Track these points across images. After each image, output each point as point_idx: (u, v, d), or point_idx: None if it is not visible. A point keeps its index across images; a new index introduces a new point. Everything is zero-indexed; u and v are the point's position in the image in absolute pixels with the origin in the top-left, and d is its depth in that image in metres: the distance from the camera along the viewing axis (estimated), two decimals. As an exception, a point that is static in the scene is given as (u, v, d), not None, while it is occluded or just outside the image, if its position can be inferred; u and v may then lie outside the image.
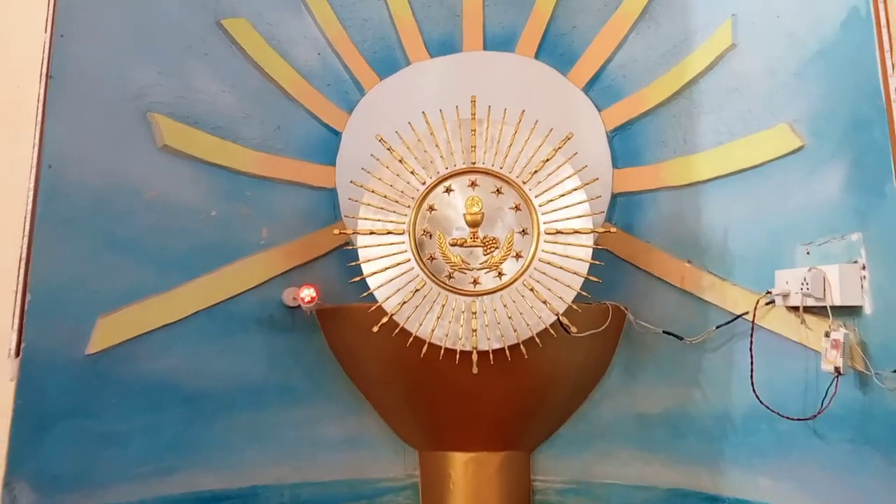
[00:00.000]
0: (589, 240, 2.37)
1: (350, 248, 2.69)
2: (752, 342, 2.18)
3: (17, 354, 1.86)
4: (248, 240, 2.63)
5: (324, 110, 2.87)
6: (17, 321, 1.87)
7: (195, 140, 2.52)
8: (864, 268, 1.91)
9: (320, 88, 2.87)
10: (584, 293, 2.34)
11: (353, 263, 2.38)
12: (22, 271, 1.88)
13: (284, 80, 2.79)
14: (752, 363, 2.16)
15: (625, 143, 2.81)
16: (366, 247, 2.38)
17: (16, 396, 1.85)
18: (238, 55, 2.70)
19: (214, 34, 2.64)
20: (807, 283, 1.98)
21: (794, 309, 2.09)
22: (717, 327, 2.40)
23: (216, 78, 2.62)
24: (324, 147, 2.86)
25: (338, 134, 2.88)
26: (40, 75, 1.98)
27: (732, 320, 2.34)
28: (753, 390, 2.14)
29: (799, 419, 2.04)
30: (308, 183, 2.80)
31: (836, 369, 1.89)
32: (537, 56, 2.95)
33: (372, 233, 2.37)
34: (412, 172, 2.41)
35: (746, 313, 2.26)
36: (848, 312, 1.95)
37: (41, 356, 1.94)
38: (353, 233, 2.40)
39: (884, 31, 1.79)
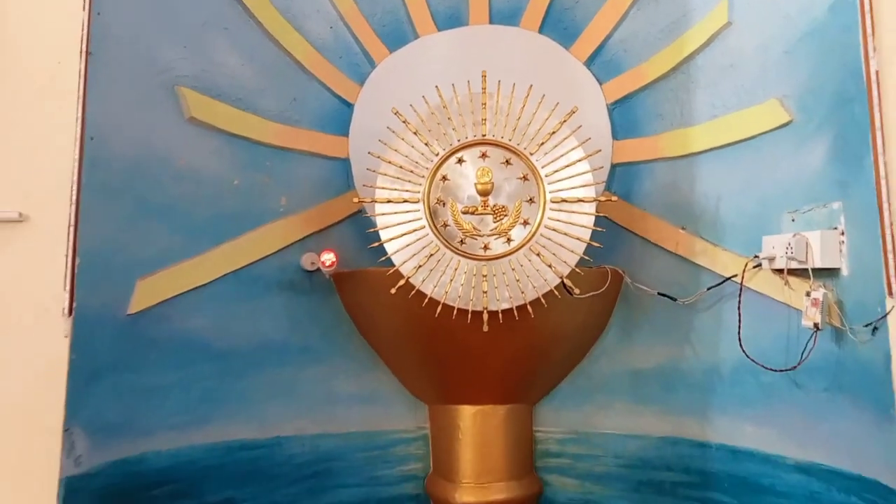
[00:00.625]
0: (591, 208, 2.56)
1: (364, 215, 2.88)
2: (740, 302, 2.40)
3: (70, 313, 2.04)
4: (269, 207, 2.81)
5: (336, 82, 3.02)
6: (68, 283, 2.04)
7: (218, 112, 2.67)
8: (842, 233, 2.12)
9: (333, 61, 3.02)
10: (586, 258, 2.53)
11: (372, 230, 2.57)
12: (71, 237, 2.05)
13: (299, 53, 2.93)
14: (739, 321, 2.39)
15: (624, 116, 2.99)
16: (383, 214, 2.56)
17: (70, 352, 2.03)
18: (255, 29, 2.83)
19: (233, 9, 2.77)
20: (791, 248, 2.20)
21: (779, 271, 2.31)
22: (708, 289, 2.62)
23: (235, 51, 2.76)
24: (337, 118, 3.01)
25: (350, 105, 3.03)
26: (80, 52, 2.12)
27: (722, 282, 2.56)
28: (741, 345, 2.37)
29: (781, 370, 2.28)
30: (323, 153, 2.97)
31: (815, 325, 2.11)
32: (541, 30, 3.10)
33: (389, 201, 2.55)
34: (426, 144, 2.58)
35: (735, 276, 2.47)
36: (827, 274, 2.17)
37: (90, 315, 2.12)
38: (372, 201, 2.57)
39: (867, 16, 1.97)
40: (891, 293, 1.90)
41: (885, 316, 1.91)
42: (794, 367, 2.21)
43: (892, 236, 1.89)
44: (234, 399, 2.64)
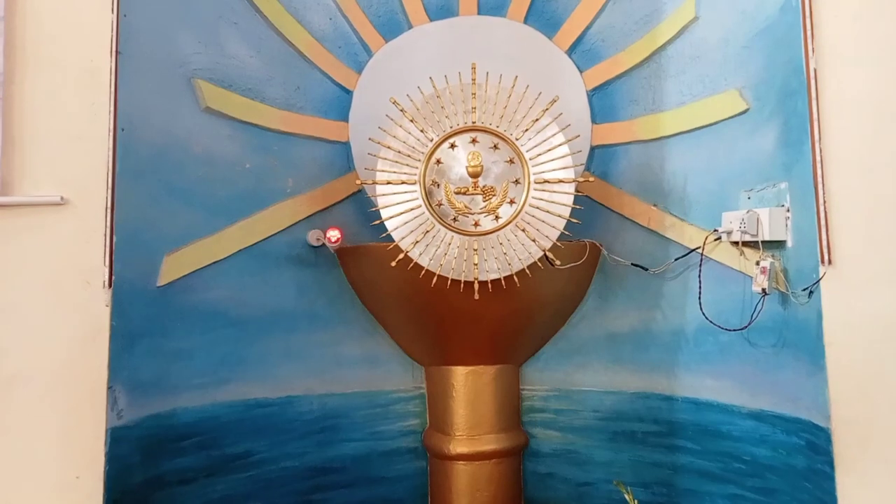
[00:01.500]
0: (571, 187, 2.86)
1: (365, 195, 3.16)
2: (700, 270, 2.73)
3: (110, 286, 2.33)
4: (277, 188, 3.09)
5: (336, 71, 3.29)
6: (107, 258, 2.33)
7: (230, 102, 2.94)
8: (788, 210, 2.45)
9: (333, 51, 3.28)
10: (566, 233, 2.85)
11: (373, 209, 2.86)
12: (109, 217, 2.33)
13: (301, 44, 3.19)
14: (700, 287, 2.73)
15: (602, 101, 3.28)
16: (383, 195, 2.85)
17: (111, 319, 2.33)
18: (261, 22, 3.08)
19: (241, 3, 3.02)
20: (744, 223, 2.52)
21: (736, 244, 2.64)
22: (676, 259, 2.94)
23: (244, 44, 3.02)
24: (338, 104, 3.28)
25: (349, 92, 3.30)
26: (110, 51, 2.38)
27: (688, 253, 2.88)
28: (701, 309, 2.71)
29: (734, 330, 2.62)
30: (325, 137, 3.24)
31: (763, 290, 2.45)
32: (526, 20, 3.37)
33: (388, 183, 2.85)
34: (422, 131, 2.87)
35: (699, 248, 2.80)
36: (776, 246, 2.50)
37: (126, 287, 2.41)
38: (373, 183, 2.87)
39: (808, 18, 2.27)
40: (823, 261, 2.23)
41: (818, 281, 2.24)
42: (745, 327, 2.56)
43: (825, 213, 2.22)
44: (250, 361, 2.95)
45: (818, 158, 2.23)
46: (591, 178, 2.98)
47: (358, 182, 2.96)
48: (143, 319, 2.54)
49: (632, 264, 3.05)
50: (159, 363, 2.62)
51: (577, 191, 2.87)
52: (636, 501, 2.77)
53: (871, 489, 2.10)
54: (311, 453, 3.10)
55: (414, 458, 3.25)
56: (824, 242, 2.22)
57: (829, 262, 2.21)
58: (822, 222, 2.22)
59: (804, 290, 2.31)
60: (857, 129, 2.20)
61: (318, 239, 3.12)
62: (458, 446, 3.07)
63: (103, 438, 2.30)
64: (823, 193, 2.22)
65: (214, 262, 2.85)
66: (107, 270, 2.34)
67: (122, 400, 2.40)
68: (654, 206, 3.06)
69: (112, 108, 2.38)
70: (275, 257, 3.06)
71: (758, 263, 2.49)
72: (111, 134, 2.37)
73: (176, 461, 2.68)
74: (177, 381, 2.69)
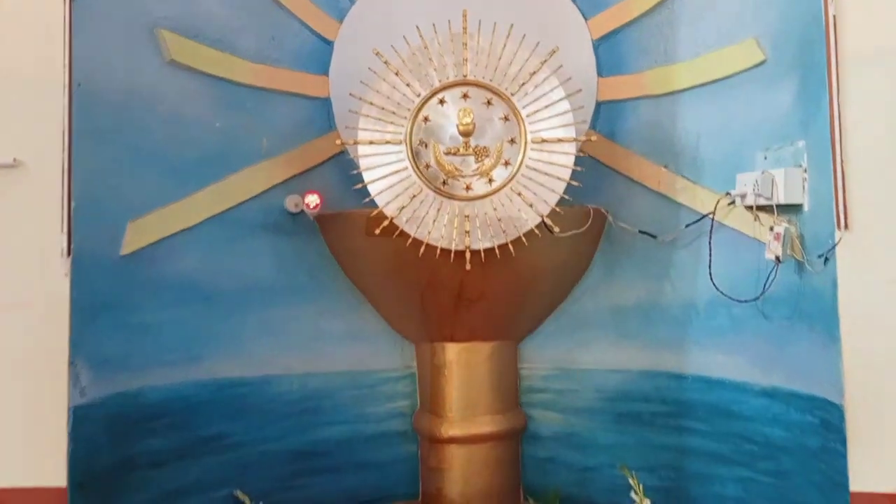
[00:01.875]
0: (572, 147, 2.93)
1: (347, 156, 3.23)
2: (710, 237, 2.81)
3: (69, 254, 2.43)
4: (250, 149, 3.16)
5: (315, 19, 3.33)
6: (65, 225, 2.43)
7: (198, 54, 2.99)
8: (805, 171, 2.52)
9: (311, -3, 3.32)
10: (566, 197, 2.92)
11: (355, 172, 2.94)
12: (66, 180, 2.42)
13: (274, -11, 3.24)
14: (710, 256, 2.81)
15: (610, 52, 3.32)
16: (366, 156, 2.92)
17: (71, 290, 2.43)
18: (230, -36, 3.13)
19: (207, -56, 3.06)
20: (758, 185, 2.59)
21: (750, 208, 2.71)
22: (687, 226, 3.02)
23: (212, -11, 3.07)
24: (317, 57, 3.34)
25: (329, 43, 3.35)
26: (64, -2, 2.44)
27: (699, 219, 2.95)
28: (711, 279, 2.79)
29: (747, 301, 2.71)
30: (303, 93, 3.30)
31: (777, 258, 2.53)
32: (524, -38, 3.39)
33: (371, 143, 2.92)
34: (408, 85, 2.93)
35: (711, 213, 2.87)
36: (792, 210, 2.57)
37: (87, 256, 2.50)
38: (354, 143, 2.94)
39: (828, -39, 2.32)
40: (839, 226, 2.31)
41: (833, 247, 2.32)
42: (757, 298, 2.64)
43: (843, 173, 2.29)
44: (223, 338, 3.06)
45: (836, 114, 2.30)
46: (594, 137, 3.04)
47: (339, 142, 3.04)
48: (107, 291, 2.64)
49: (639, 232, 3.13)
50: (125, 338, 2.72)
51: (579, 151, 2.94)
52: (642, 487, 2.88)
53: (883, 467, 2.21)
54: (291, 436, 3.23)
55: (404, 442, 3.38)
56: (840, 206, 2.29)
57: (846, 226, 2.29)
58: (839, 184, 2.29)
59: (819, 256, 2.38)
60: (877, 83, 2.26)
61: (296, 205, 3.20)
62: (451, 429, 3.19)
63: (66, 417, 2.41)
64: (841, 153, 2.29)
65: (183, 231, 2.94)
66: (65, 238, 2.43)
67: (86, 377, 2.51)
68: (665, 167, 3.13)
69: (67, 62, 2.45)
70: (249, 225, 3.15)
71: (771, 229, 2.56)
72: (66, 90, 2.44)
73: (145, 443, 2.80)
74: (144, 358, 2.80)
